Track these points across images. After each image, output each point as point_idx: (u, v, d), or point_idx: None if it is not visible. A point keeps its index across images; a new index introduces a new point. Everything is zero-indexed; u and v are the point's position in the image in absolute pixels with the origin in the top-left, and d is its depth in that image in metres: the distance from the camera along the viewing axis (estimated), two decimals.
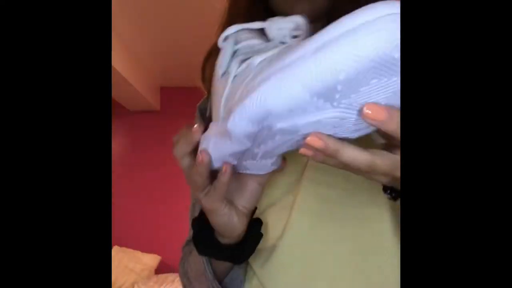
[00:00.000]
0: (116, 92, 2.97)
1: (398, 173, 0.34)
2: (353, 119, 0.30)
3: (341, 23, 0.28)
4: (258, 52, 0.35)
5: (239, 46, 0.37)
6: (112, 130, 2.61)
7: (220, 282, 0.53)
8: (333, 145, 0.31)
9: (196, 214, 0.50)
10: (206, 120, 0.62)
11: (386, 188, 0.41)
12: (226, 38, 0.38)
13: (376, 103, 0.30)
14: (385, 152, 0.33)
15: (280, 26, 0.35)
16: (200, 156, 0.39)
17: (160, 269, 3.24)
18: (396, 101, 0.30)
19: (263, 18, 0.57)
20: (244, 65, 0.35)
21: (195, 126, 0.40)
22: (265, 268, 0.53)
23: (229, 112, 0.34)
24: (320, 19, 0.56)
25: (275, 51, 0.34)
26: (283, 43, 0.36)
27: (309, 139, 0.31)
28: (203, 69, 0.62)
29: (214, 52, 0.63)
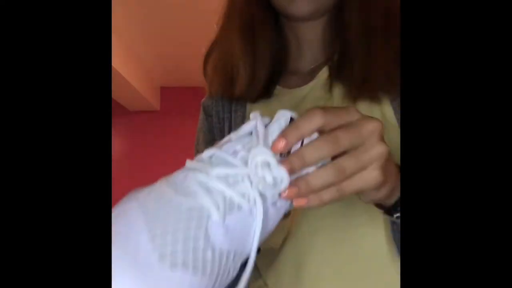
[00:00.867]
0: (116, 92, 2.97)
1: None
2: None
3: None
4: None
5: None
6: (112, 130, 2.61)
7: None
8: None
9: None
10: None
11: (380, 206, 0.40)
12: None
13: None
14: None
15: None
16: None
17: None
18: None
19: (263, 13, 0.57)
20: None
21: None
22: (270, 270, 0.53)
23: None
24: (322, 16, 0.56)
25: None
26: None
27: (289, 194, 0.30)
28: (205, 64, 0.62)
29: (215, 48, 0.62)
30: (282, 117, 0.32)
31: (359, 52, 0.51)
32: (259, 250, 0.48)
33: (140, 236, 0.30)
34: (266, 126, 0.32)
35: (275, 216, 0.32)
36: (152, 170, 3.47)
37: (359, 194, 0.35)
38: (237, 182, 0.31)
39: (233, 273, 0.31)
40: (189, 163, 0.34)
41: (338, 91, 0.53)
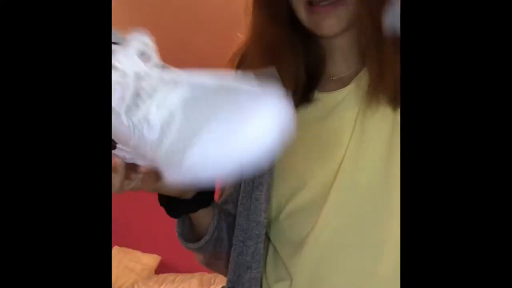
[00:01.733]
0: None
1: None
2: None
3: None
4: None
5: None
6: None
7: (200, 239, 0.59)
8: None
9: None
10: None
11: None
12: None
13: None
14: None
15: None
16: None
17: (160, 269, 3.24)
18: None
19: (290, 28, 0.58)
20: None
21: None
22: (293, 261, 0.54)
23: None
24: (348, 29, 0.57)
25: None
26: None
27: None
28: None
29: (246, 55, 0.64)
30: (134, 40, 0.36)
31: (394, 59, 0.52)
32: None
33: None
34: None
35: None
36: None
37: None
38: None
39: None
40: None
41: (375, 95, 0.54)
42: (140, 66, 0.35)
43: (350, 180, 0.53)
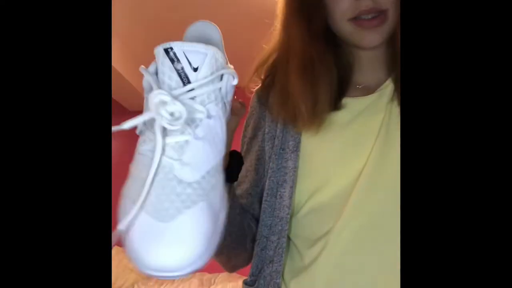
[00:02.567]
0: (116, 92, 2.97)
1: None
2: None
3: None
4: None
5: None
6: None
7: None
8: None
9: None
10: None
11: None
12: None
13: None
14: None
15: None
16: None
17: None
18: None
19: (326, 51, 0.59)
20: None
21: None
22: (313, 257, 0.56)
23: None
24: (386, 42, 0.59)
25: None
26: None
27: None
28: (264, 73, 0.66)
29: (277, 67, 0.64)
30: (159, 54, 0.39)
31: None
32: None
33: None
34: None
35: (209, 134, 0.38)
36: None
37: None
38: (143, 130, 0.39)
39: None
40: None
41: (399, 103, 0.55)
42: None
43: (372, 183, 0.54)
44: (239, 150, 0.57)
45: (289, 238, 0.60)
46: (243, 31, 2.36)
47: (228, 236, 0.60)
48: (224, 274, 2.97)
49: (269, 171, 0.60)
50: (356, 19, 0.56)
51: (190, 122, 0.37)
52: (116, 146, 3.49)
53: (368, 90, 0.61)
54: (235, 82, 0.40)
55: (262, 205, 0.61)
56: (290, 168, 0.58)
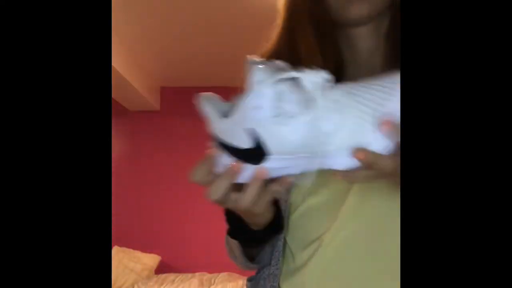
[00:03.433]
0: (116, 92, 2.97)
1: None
2: None
3: None
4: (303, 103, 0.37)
5: (279, 89, 0.38)
6: (112, 130, 2.61)
7: (253, 259, 0.60)
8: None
9: None
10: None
11: None
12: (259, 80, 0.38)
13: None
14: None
15: (313, 80, 0.37)
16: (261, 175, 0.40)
17: (160, 269, 3.24)
18: None
19: (323, 21, 0.56)
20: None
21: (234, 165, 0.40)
22: (306, 258, 0.55)
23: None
24: (379, 16, 0.55)
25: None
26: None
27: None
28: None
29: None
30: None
31: None
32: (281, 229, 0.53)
33: None
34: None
35: None
36: (152, 170, 3.47)
37: None
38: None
39: None
40: None
41: None
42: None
43: (368, 186, 0.52)
44: None
45: (285, 240, 0.60)
46: (244, 31, 2.36)
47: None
48: (224, 274, 2.97)
49: None
50: None
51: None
52: (116, 146, 3.50)
53: None
54: None
55: None
56: None
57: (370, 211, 0.53)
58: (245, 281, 0.65)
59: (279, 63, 0.40)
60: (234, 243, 0.59)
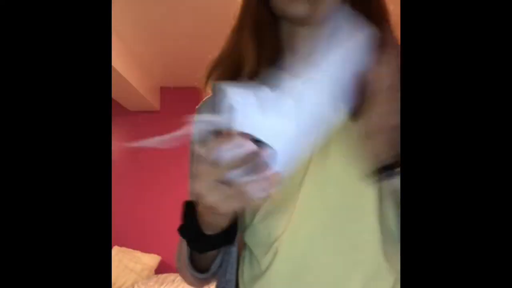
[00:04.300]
0: (116, 92, 2.97)
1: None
2: None
3: None
4: None
5: None
6: (112, 130, 2.61)
7: (208, 269, 0.60)
8: None
9: None
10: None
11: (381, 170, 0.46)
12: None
13: None
14: None
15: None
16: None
17: (160, 269, 3.24)
18: None
19: (271, 20, 0.57)
20: None
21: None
22: (269, 260, 0.55)
23: None
24: (321, 25, 0.55)
25: None
26: None
27: None
28: (208, 77, 0.63)
29: (221, 62, 0.63)
30: None
31: None
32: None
33: None
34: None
35: None
36: (152, 170, 3.48)
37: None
38: None
39: None
40: None
41: None
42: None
43: (319, 178, 0.53)
44: None
45: (247, 246, 0.60)
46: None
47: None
48: None
49: None
50: None
51: None
52: (116, 146, 3.50)
53: None
54: None
55: None
56: None
57: (322, 207, 0.53)
58: None
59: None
60: (184, 249, 0.59)
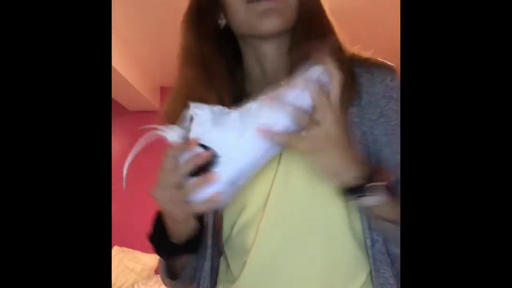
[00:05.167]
0: (116, 92, 2.97)
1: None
2: None
3: None
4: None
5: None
6: (112, 130, 2.61)
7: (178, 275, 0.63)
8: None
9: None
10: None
11: (355, 191, 0.47)
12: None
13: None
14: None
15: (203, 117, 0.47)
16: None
17: None
18: None
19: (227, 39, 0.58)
20: None
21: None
22: (239, 269, 0.58)
23: None
24: (285, 34, 0.57)
25: None
26: None
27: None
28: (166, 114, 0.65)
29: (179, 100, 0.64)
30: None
31: None
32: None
33: None
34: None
35: None
36: (152, 170, 3.47)
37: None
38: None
39: None
40: None
41: None
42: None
43: (281, 197, 0.55)
44: None
45: (226, 258, 0.62)
46: None
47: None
48: None
49: None
50: (251, 2, 0.53)
51: None
52: (116, 146, 3.50)
53: None
54: None
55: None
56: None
57: (288, 218, 0.55)
58: None
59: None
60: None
